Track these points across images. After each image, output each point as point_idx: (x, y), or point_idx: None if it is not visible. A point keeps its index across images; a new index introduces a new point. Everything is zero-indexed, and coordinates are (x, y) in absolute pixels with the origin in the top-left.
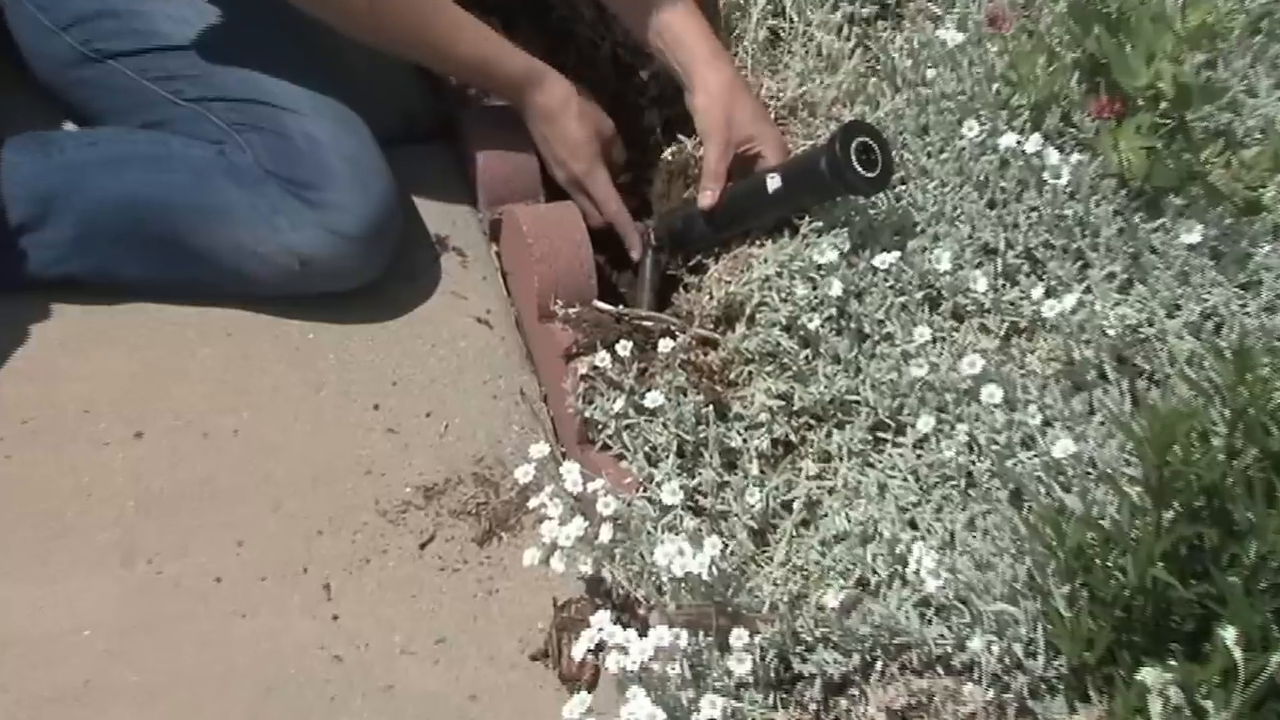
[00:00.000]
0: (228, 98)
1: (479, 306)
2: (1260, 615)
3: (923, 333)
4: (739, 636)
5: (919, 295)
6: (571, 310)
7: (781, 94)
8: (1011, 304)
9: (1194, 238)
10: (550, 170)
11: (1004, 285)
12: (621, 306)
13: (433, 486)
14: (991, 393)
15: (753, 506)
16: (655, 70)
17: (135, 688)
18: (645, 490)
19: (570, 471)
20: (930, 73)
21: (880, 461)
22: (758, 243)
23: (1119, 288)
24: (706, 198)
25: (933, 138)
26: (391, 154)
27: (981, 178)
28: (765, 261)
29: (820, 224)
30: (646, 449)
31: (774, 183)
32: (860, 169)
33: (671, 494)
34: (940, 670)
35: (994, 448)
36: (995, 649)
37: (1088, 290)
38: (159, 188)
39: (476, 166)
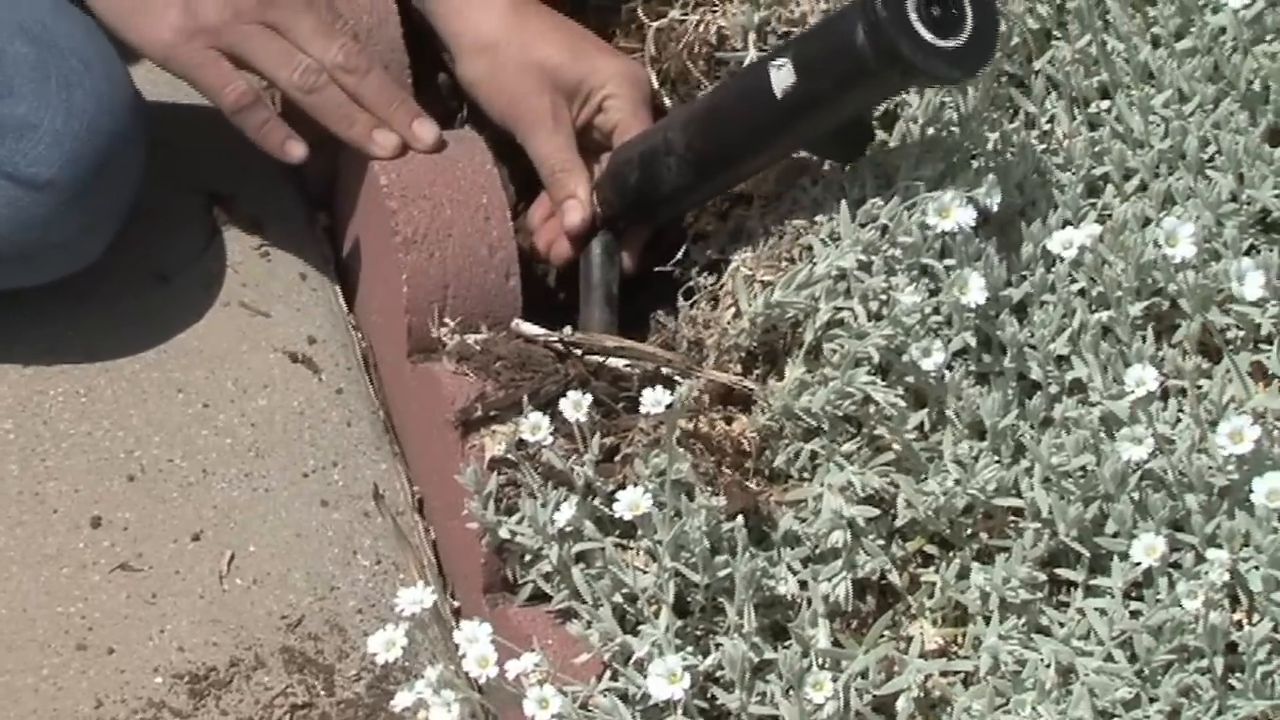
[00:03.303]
0: None
1: (294, 331)
2: None
3: (1142, 377)
4: None
5: (1135, 308)
6: (475, 337)
7: None
8: None
9: None
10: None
11: None
12: (570, 330)
13: (206, 674)
14: (1274, 491)
15: (820, 708)
16: None
17: None
18: (617, 676)
19: (474, 640)
20: None
21: (1062, 623)
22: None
23: None
24: (572, 213)
25: (1161, 9)
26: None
27: (1255, 85)
28: (836, 242)
29: (928, 169)
30: (618, 599)
31: (783, 75)
32: (927, 32)
33: (667, 682)
34: None
35: (1279, 597)
36: None
37: None
38: None
39: None
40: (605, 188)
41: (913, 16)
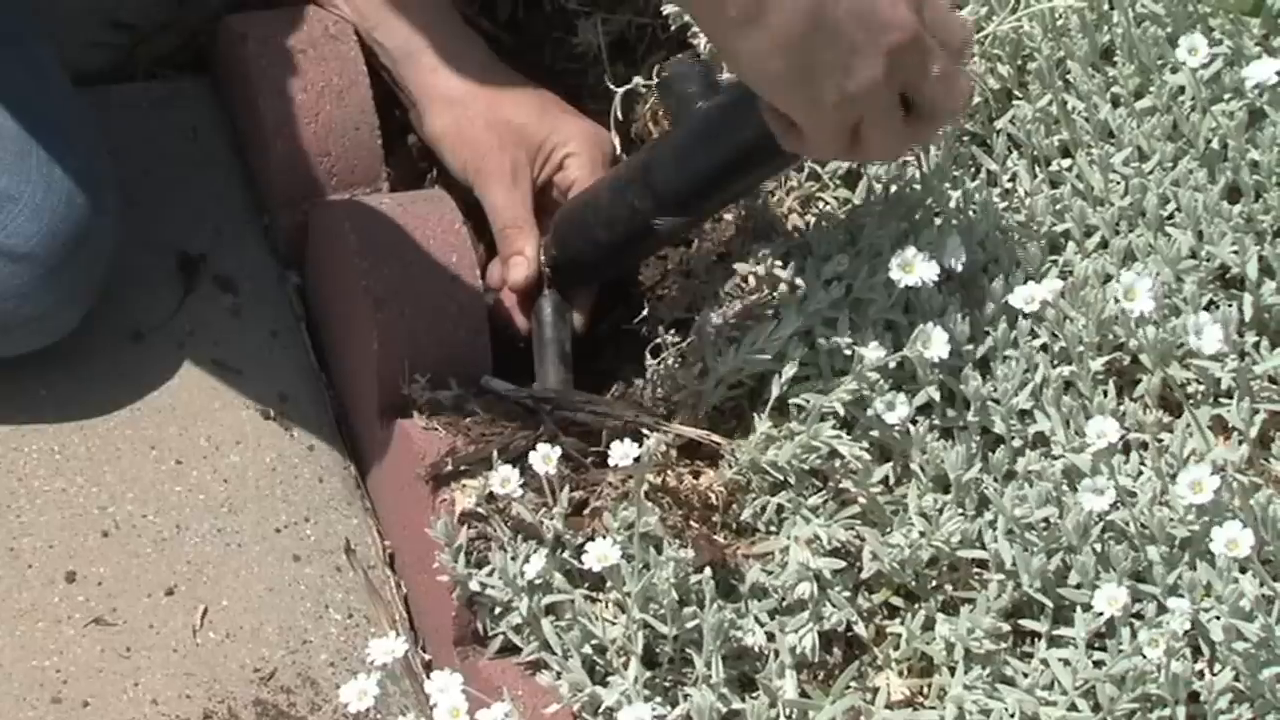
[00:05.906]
0: None
1: (265, 388)
2: None
3: (1104, 430)
4: None
5: (1097, 362)
6: (444, 394)
7: None
8: (1273, 380)
9: None
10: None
11: (1258, 345)
12: (538, 385)
13: None
14: (1233, 540)
15: None
16: None
17: None
18: None
19: (445, 690)
20: None
21: (1026, 673)
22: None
23: None
24: (518, 269)
25: (1121, 69)
26: (96, 100)
27: (1213, 143)
28: (802, 299)
29: (891, 226)
30: (587, 650)
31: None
32: None
33: None
34: None
35: (1239, 647)
36: None
37: None
38: None
39: (261, 124)
40: (550, 245)
41: None
